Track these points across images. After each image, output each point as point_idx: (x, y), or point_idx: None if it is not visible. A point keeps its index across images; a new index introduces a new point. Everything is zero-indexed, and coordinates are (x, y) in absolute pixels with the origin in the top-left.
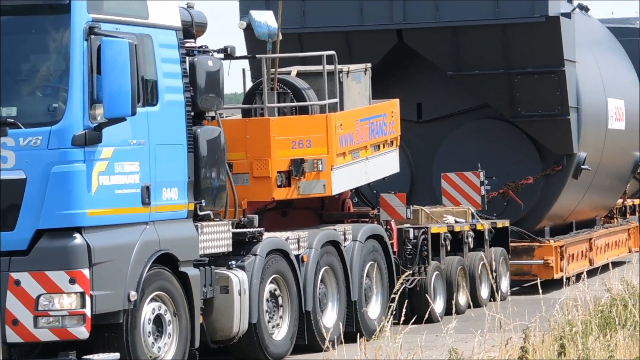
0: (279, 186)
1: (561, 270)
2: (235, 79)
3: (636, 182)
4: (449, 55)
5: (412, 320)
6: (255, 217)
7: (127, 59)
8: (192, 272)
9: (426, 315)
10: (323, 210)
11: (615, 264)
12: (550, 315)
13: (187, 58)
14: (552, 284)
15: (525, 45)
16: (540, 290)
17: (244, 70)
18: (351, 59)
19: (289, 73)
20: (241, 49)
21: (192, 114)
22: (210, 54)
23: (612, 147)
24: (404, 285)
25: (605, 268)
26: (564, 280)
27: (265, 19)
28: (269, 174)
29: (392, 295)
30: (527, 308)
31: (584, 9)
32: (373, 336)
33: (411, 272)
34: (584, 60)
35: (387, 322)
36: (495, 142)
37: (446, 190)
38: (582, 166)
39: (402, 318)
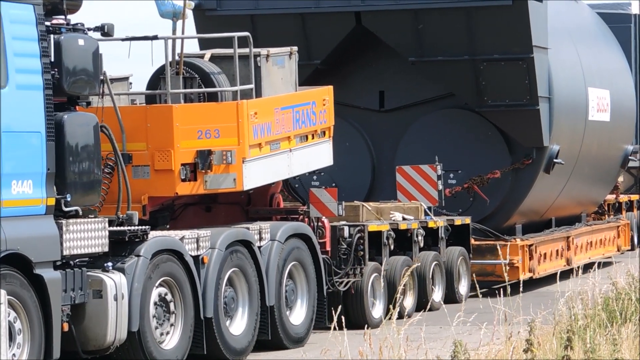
0: (183, 180)
1: (530, 271)
2: (141, 62)
3: (630, 177)
4: (410, 40)
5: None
6: (135, 214)
7: None
8: (49, 275)
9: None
10: (249, 206)
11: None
12: (555, 309)
13: (53, 36)
14: (554, 277)
15: (491, 30)
16: (502, 293)
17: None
18: (307, 42)
19: (202, 56)
20: (191, 30)
21: (66, 99)
22: (84, 32)
23: (594, 140)
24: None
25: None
26: (573, 273)
27: None
28: (171, 166)
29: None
30: (532, 301)
31: None
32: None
33: (344, 273)
34: (560, 47)
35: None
36: (461, 133)
37: (401, 185)
38: (555, 160)
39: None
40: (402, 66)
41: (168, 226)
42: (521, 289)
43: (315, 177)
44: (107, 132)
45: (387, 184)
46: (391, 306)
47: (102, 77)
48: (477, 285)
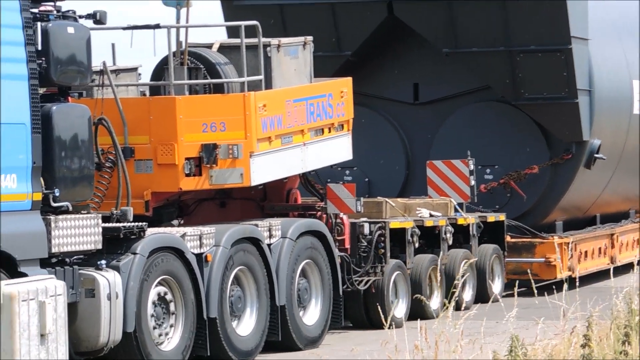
0: (187, 175)
1: (569, 269)
2: (147, 54)
3: None
4: (444, 31)
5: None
6: (130, 210)
7: None
8: (35, 273)
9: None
10: (265, 202)
11: None
12: (612, 304)
13: (40, 24)
14: (618, 271)
15: (528, 20)
16: (536, 292)
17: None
18: (338, 33)
19: (209, 46)
20: (219, 19)
21: (56, 89)
22: (75, 20)
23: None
24: (352, 287)
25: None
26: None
27: None
28: (175, 160)
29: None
30: (589, 296)
31: None
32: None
33: (364, 271)
34: (603, 38)
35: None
36: (498, 127)
37: (432, 180)
38: (596, 155)
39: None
40: (436, 57)
41: (182, 221)
42: (577, 285)
43: (347, 172)
44: (107, 125)
45: (421, 180)
46: (446, 300)
47: (101, 67)
48: (533, 282)
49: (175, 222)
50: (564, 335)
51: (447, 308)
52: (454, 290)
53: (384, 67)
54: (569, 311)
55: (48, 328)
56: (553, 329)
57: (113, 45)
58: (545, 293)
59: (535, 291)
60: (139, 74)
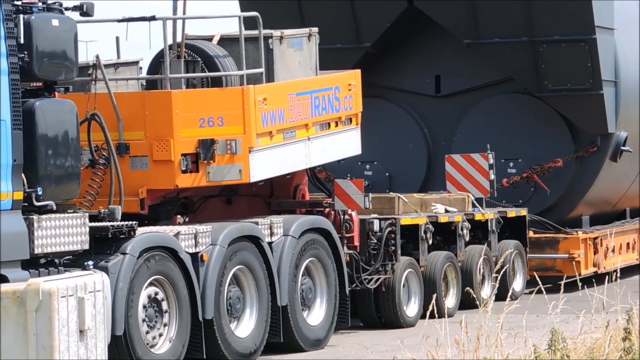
0: (184, 171)
1: (594, 265)
2: (145, 48)
3: None
4: (465, 21)
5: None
6: (118, 208)
7: None
8: (15, 275)
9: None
10: (272, 198)
11: None
12: None
13: (22, 17)
14: None
15: (551, 9)
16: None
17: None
18: (357, 25)
19: (209, 39)
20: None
21: (42, 84)
22: (61, 12)
23: None
24: (359, 286)
25: None
26: None
27: None
28: (171, 157)
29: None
30: (631, 289)
31: None
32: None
33: (374, 269)
34: (630, 27)
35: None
36: (521, 120)
37: (450, 174)
38: (622, 147)
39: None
40: (458, 49)
41: (187, 219)
42: (618, 276)
43: (368, 167)
44: (99, 120)
45: (443, 174)
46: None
47: (94, 61)
48: (577, 275)
49: (180, 219)
50: (604, 328)
51: (486, 303)
52: (496, 281)
53: (404, 59)
54: (610, 305)
55: (87, 324)
56: (593, 322)
57: (117, 38)
58: (586, 286)
59: (580, 284)
60: (140, 68)
